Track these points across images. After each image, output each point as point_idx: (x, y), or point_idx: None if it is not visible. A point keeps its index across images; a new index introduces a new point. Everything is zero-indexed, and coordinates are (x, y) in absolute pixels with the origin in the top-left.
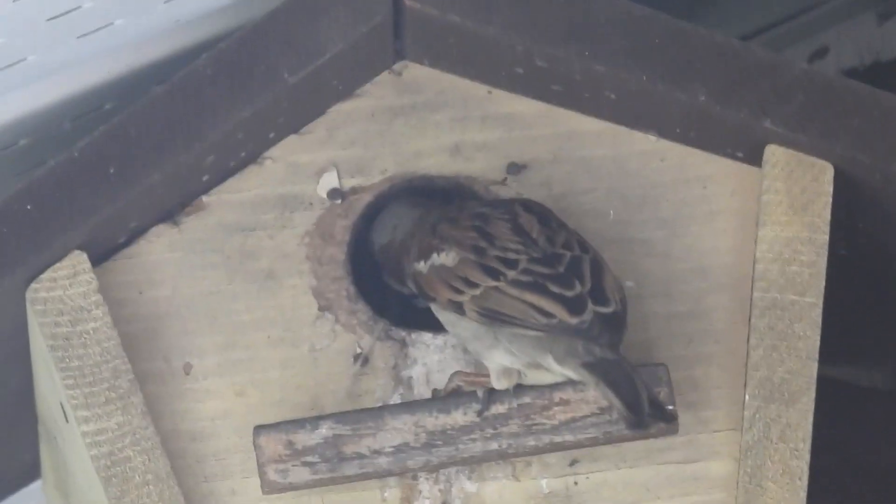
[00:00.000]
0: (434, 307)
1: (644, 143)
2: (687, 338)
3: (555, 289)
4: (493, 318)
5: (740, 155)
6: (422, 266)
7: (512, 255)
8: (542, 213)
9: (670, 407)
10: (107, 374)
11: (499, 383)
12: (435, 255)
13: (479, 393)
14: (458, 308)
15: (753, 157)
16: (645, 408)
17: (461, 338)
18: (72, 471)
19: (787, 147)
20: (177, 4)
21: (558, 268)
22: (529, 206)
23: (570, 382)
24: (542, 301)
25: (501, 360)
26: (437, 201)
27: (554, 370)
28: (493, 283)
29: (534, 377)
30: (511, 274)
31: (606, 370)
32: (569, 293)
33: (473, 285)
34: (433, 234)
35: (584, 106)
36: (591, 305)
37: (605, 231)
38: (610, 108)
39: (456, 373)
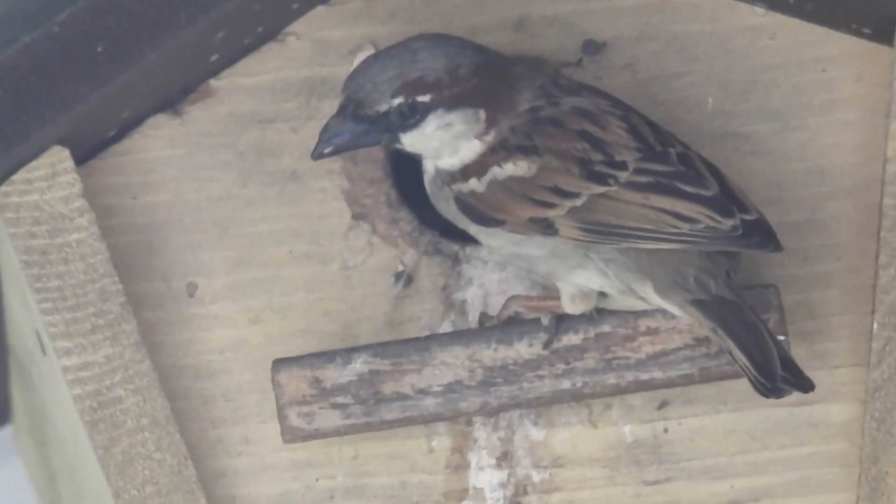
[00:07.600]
0: (481, 230)
1: (750, 16)
2: (802, 254)
3: (688, 188)
4: (607, 233)
5: (867, 31)
6: (474, 184)
7: (622, 155)
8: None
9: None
10: (93, 296)
11: (573, 307)
12: (497, 168)
13: (545, 320)
14: (545, 226)
15: (883, 35)
16: (778, 370)
17: (529, 257)
18: (50, 415)
19: None
20: None
21: (677, 164)
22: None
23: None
24: (679, 204)
25: (588, 282)
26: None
27: (653, 302)
28: (602, 189)
29: (621, 303)
30: (623, 175)
31: (724, 314)
32: (706, 193)
33: (570, 195)
34: (528, 139)
35: None
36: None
37: (701, 124)
38: None
39: (513, 297)
